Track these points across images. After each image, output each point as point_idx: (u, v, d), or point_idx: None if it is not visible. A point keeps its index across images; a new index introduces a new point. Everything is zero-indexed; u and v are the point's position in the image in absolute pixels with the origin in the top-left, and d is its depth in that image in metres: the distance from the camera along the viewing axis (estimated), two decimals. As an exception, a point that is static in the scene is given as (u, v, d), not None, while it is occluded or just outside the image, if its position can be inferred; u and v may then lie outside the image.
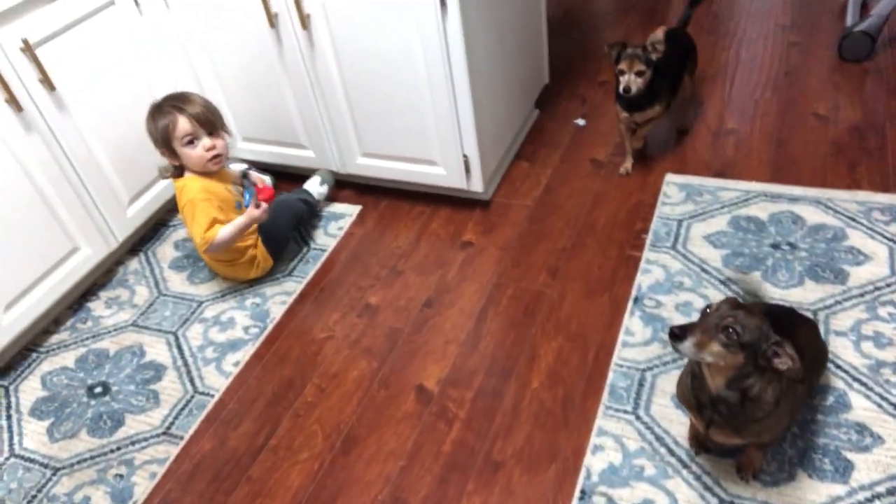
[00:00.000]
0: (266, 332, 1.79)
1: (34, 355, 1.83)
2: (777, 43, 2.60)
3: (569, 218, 2.00)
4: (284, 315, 1.84)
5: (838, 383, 1.44)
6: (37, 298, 1.78)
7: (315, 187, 2.12)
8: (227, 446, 1.54)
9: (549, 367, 1.59)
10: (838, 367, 1.47)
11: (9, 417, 1.68)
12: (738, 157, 2.10)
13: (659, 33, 1.82)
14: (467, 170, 1.94)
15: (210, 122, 1.75)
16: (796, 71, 2.43)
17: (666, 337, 1.59)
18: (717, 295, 1.68)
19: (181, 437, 1.57)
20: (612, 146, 2.24)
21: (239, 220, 1.77)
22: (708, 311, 1.09)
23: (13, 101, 1.63)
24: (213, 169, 1.79)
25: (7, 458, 1.58)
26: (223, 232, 1.75)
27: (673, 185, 2.03)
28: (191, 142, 1.72)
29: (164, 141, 1.73)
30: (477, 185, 1.98)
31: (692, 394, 1.18)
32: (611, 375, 1.54)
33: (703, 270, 1.75)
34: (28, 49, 1.64)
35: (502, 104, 2.06)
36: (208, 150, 1.74)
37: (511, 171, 2.21)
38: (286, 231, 1.97)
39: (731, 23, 2.78)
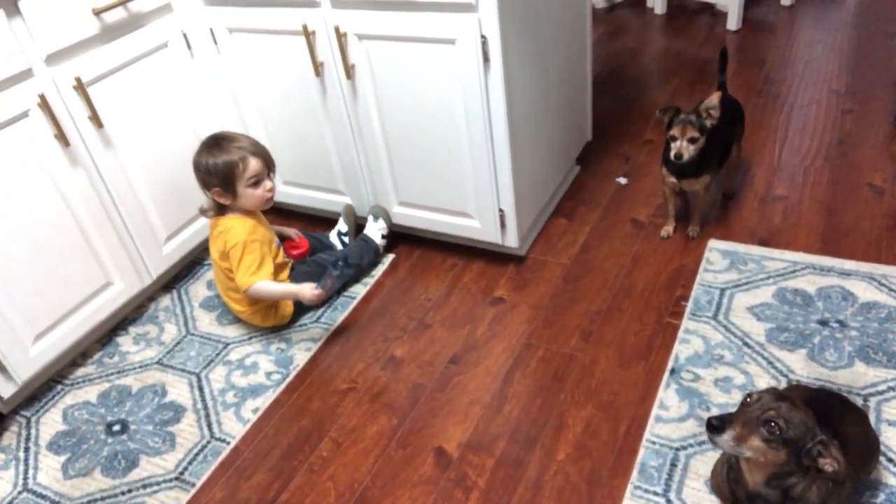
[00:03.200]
0: (288, 380, 1.76)
1: (59, 387, 1.83)
2: (830, 109, 2.53)
3: (605, 279, 1.93)
4: (308, 362, 1.81)
5: (890, 479, 1.33)
6: (67, 330, 1.79)
7: (373, 231, 2.08)
8: (237, 497, 1.50)
9: (576, 437, 1.52)
10: (890, 460, 1.36)
11: (27, 450, 1.67)
12: (785, 226, 2.02)
13: (714, 99, 1.77)
14: (503, 224, 1.91)
15: (272, 163, 1.80)
16: (850, 139, 2.35)
17: (703, 414, 1.51)
18: (758, 371, 1.59)
19: (193, 485, 1.53)
20: (654, 207, 2.18)
21: (288, 288, 1.78)
22: (749, 400, 1.02)
23: (62, 137, 1.67)
24: (266, 207, 1.83)
25: (20, 492, 1.57)
26: (268, 286, 1.76)
27: (716, 252, 1.95)
28: (256, 182, 1.74)
29: (225, 178, 1.72)
30: (512, 241, 1.94)
31: (728, 486, 1.09)
32: (642, 452, 1.46)
33: (746, 344, 1.66)
34: (80, 87, 1.69)
35: (542, 160, 2.03)
36: (269, 190, 1.78)
37: (548, 227, 2.16)
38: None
39: (782, 86, 2.72)
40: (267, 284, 1.76)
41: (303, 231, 2.11)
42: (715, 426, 1.00)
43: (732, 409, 1.50)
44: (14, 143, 1.60)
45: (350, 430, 1.61)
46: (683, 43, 3.22)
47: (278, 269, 1.86)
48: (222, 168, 1.71)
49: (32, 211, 1.66)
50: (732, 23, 3.22)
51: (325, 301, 1.89)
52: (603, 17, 3.60)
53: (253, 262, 1.75)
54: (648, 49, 3.24)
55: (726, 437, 0.99)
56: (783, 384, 1.55)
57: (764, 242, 1.97)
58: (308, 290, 1.75)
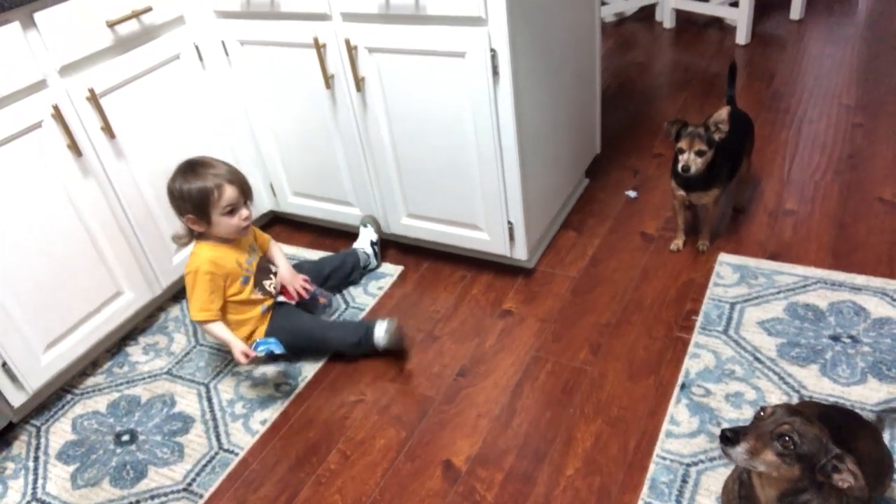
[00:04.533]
0: (297, 391, 1.76)
1: (69, 397, 1.83)
2: (840, 123, 2.53)
3: (615, 292, 1.93)
4: (317, 374, 1.80)
5: (904, 497, 1.32)
6: (78, 340, 1.80)
7: (364, 239, 2.11)
8: (245, 509, 1.50)
9: (585, 452, 1.51)
10: (904, 478, 1.35)
11: (36, 459, 1.67)
12: (795, 240, 2.01)
13: (723, 113, 1.77)
14: (511, 237, 1.91)
15: (248, 191, 1.72)
16: (860, 153, 2.35)
17: (714, 430, 1.50)
18: (770, 387, 1.58)
19: (201, 496, 1.53)
20: (664, 220, 2.17)
21: (226, 338, 1.70)
22: (762, 413, 1.01)
23: (74, 147, 1.68)
24: (241, 236, 1.76)
25: (28, 502, 1.57)
26: (212, 328, 1.70)
27: (727, 266, 1.94)
28: (231, 211, 1.67)
29: (198, 205, 1.65)
30: (521, 253, 1.94)
31: (739, 502, 1.08)
32: (652, 468, 1.45)
33: (757, 359, 1.65)
34: (93, 98, 1.70)
35: (551, 172, 2.03)
36: (244, 219, 1.70)
37: (557, 239, 2.16)
38: (294, 346, 1.81)
39: (791, 100, 2.72)
40: (212, 326, 1.70)
41: (314, 256, 2.11)
42: (729, 438, 0.99)
43: (744, 425, 1.50)
44: (27, 153, 1.61)
45: (358, 442, 1.61)
46: (692, 57, 3.22)
47: (246, 304, 1.78)
48: (196, 195, 1.64)
49: (44, 220, 1.67)
50: (741, 37, 3.23)
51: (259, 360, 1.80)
52: (612, 31, 3.61)
53: (201, 294, 1.68)
54: (657, 63, 3.25)
55: (740, 450, 0.98)
56: (795, 400, 1.54)
57: (774, 256, 1.96)
58: (238, 350, 1.68)
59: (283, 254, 1.94)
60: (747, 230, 2.08)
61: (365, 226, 2.13)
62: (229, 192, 1.66)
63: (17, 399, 1.68)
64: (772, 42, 3.22)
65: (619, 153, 2.54)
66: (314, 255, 2.21)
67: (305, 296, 1.89)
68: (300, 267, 1.99)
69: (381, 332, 1.75)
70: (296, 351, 1.83)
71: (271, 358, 1.83)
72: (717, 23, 3.49)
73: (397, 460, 1.55)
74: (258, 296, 1.80)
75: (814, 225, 2.06)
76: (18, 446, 1.71)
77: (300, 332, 1.81)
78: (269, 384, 1.79)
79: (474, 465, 1.51)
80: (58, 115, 1.63)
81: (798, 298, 1.80)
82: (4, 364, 1.63)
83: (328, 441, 1.62)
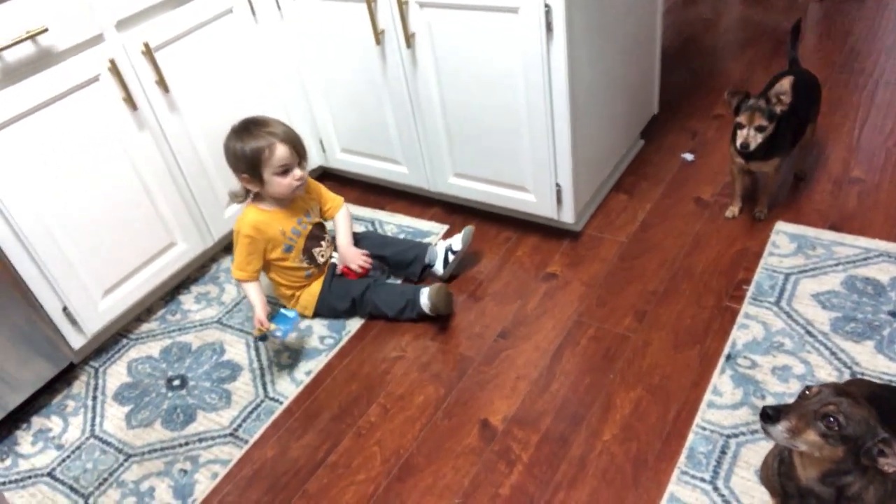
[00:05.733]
0: (340, 344, 1.80)
1: (125, 341, 1.92)
2: (920, 86, 2.37)
3: (664, 259, 1.88)
4: (360, 328, 1.83)
5: (958, 483, 1.27)
6: (133, 287, 1.87)
7: (444, 245, 1.91)
8: (288, 456, 1.55)
9: (624, 419, 1.50)
10: (959, 463, 1.29)
11: (94, 398, 1.76)
12: (860, 211, 1.91)
13: (786, 83, 1.68)
14: (559, 200, 1.87)
15: (303, 151, 1.71)
16: (940, 119, 2.20)
17: (758, 403, 1.46)
18: (820, 362, 1.53)
19: (246, 441, 1.59)
20: (720, 186, 2.10)
21: (255, 302, 1.72)
22: (807, 392, 0.98)
23: (129, 101, 1.72)
24: (297, 195, 1.76)
25: (87, 438, 1.67)
26: (246, 287, 1.74)
27: (783, 235, 1.87)
28: (285, 171, 1.67)
29: (252, 165, 1.66)
30: (568, 216, 1.91)
31: (778, 480, 1.06)
32: (691, 437, 1.43)
33: (808, 333, 1.59)
34: (148, 52, 1.73)
35: (604, 133, 1.97)
36: (297, 178, 1.70)
37: (607, 202, 2.11)
38: (337, 308, 1.85)
39: (868, 61, 2.55)
40: (246, 285, 1.74)
41: (383, 234, 2.03)
42: (769, 415, 0.96)
43: (789, 400, 1.46)
44: (85, 106, 1.66)
45: (398, 397, 1.64)
46: (763, 12, 3.05)
47: (290, 270, 1.81)
48: (249, 154, 1.64)
49: (102, 172, 1.73)
50: (817, -9, 3.03)
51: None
52: (677, -15, 3.44)
53: (240, 255, 1.72)
54: (724, 19, 3.09)
55: (780, 429, 0.95)
56: (846, 377, 1.48)
57: (835, 227, 1.87)
58: (255, 317, 1.70)
59: (350, 224, 1.90)
60: (808, 198, 1.99)
61: (464, 239, 1.90)
62: (281, 152, 1.65)
63: (76, 342, 1.77)
64: (850, -3, 3.02)
65: (677, 114, 2.45)
66: (361, 211, 2.23)
67: (364, 272, 1.85)
68: (364, 236, 1.96)
69: (425, 299, 1.75)
70: (345, 312, 1.85)
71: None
72: (791, -24, 3.29)
73: (435, 416, 1.58)
74: (303, 263, 1.82)
75: (882, 195, 1.95)
76: (78, 386, 1.81)
77: (349, 294, 1.83)
78: (314, 337, 1.83)
79: (511, 426, 1.52)
80: (114, 70, 1.67)
81: (858, 272, 1.72)
82: (65, 308, 1.72)
83: (369, 395, 1.65)
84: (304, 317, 1.88)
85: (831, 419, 0.93)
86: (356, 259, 1.85)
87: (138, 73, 1.74)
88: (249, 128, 1.68)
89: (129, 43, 1.70)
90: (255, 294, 1.74)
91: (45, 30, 1.53)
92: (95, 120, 1.68)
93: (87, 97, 1.65)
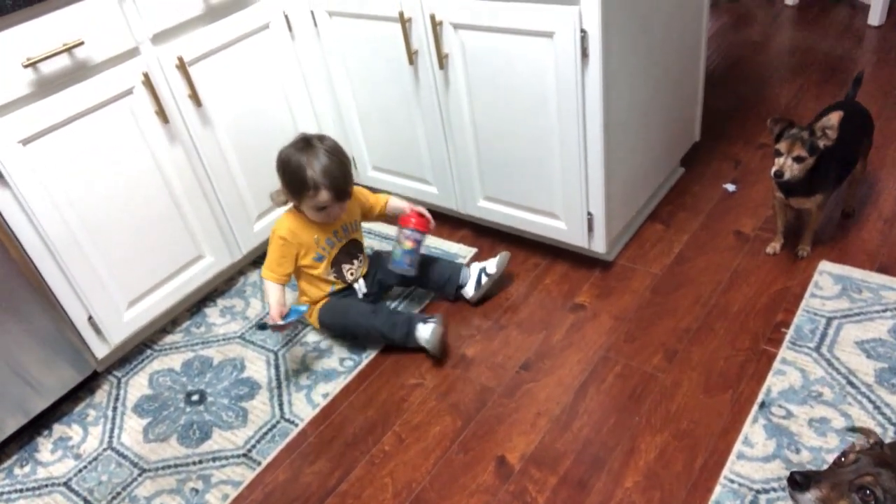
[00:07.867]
0: (359, 367, 1.77)
1: (148, 352, 1.92)
2: (984, 121, 2.24)
3: (699, 295, 1.80)
4: (380, 352, 1.80)
5: None
6: (158, 299, 1.88)
7: (479, 267, 1.88)
8: (299, 482, 1.52)
9: (647, 465, 1.43)
10: None
11: (115, 409, 1.77)
12: (913, 253, 1.80)
13: (834, 118, 1.59)
14: (590, 228, 1.82)
15: (345, 194, 1.70)
16: None
17: (792, 456, 1.38)
18: (862, 416, 1.43)
19: (259, 463, 1.57)
20: (762, 219, 2.01)
21: (272, 302, 1.72)
22: (843, 459, 0.91)
23: (161, 113, 1.73)
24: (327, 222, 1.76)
25: (105, 450, 1.67)
26: (269, 287, 1.74)
27: (827, 276, 1.77)
28: (323, 209, 1.69)
29: (293, 192, 1.69)
30: (599, 246, 1.85)
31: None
32: (718, 490, 1.35)
33: (850, 384, 1.50)
34: (182, 66, 1.74)
35: (640, 162, 1.91)
36: (333, 217, 1.73)
37: (642, 232, 2.05)
38: (342, 329, 1.84)
39: (927, 92, 2.43)
40: (269, 285, 1.74)
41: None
42: (798, 482, 0.90)
43: (827, 455, 1.37)
44: (118, 118, 1.67)
45: (414, 426, 1.60)
46: (815, 37, 2.94)
47: (318, 281, 1.80)
48: (296, 182, 1.65)
49: (132, 183, 1.74)
50: (875, 17, 2.91)
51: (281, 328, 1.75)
52: (726, 7, 3.35)
53: (272, 255, 1.73)
54: (774, 43, 2.99)
55: (810, 497, 0.89)
56: (890, 434, 1.39)
57: (885, 269, 1.77)
58: (272, 316, 1.70)
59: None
60: (856, 237, 1.89)
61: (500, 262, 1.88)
62: (323, 196, 1.65)
63: (100, 351, 1.78)
64: (911, 24, 2.89)
65: (720, 141, 2.36)
66: (390, 230, 2.20)
67: (430, 227, 1.82)
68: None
69: (424, 334, 1.71)
70: (348, 337, 1.84)
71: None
72: (847, 0, 3.17)
73: (450, 450, 1.53)
74: (331, 277, 1.81)
75: (937, 237, 1.84)
76: (101, 395, 1.82)
77: (348, 316, 1.79)
78: (334, 358, 1.80)
79: (528, 465, 1.47)
80: (147, 83, 1.68)
81: (908, 319, 1.62)
82: (91, 318, 1.73)
83: (384, 422, 1.62)
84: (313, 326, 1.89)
85: (868, 492, 0.86)
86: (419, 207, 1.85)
87: (171, 86, 1.75)
88: (306, 156, 1.64)
89: (164, 56, 1.71)
90: (276, 295, 1.74)
91: (82, 42, 1.55)
92: (127, 132, 1.70)
93: (119, 109, 1.66)
